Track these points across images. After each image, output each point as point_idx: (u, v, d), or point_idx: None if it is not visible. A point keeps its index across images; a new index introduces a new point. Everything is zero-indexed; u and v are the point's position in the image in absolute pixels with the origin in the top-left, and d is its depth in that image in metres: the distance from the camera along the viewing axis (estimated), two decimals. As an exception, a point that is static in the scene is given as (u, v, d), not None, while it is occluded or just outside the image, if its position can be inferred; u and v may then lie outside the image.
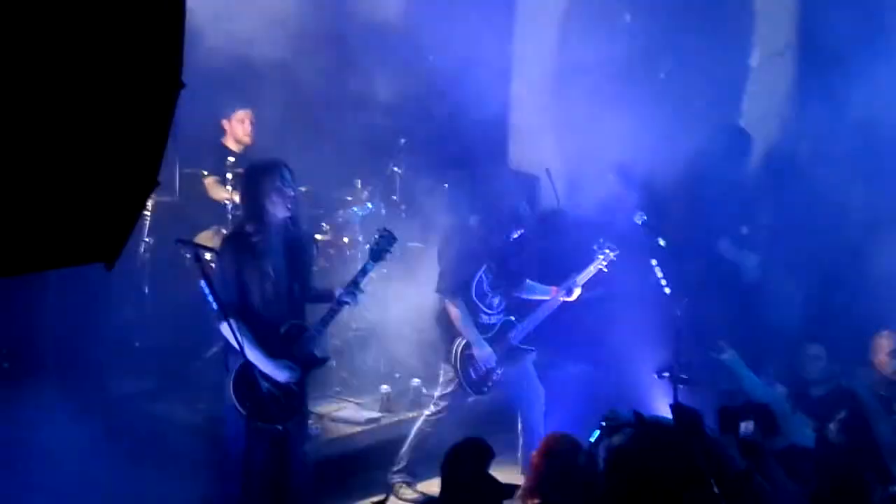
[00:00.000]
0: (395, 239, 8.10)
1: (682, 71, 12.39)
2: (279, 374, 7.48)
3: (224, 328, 7.21)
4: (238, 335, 7.10)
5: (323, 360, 7.96)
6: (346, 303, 7.80)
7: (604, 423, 6.99)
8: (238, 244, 7.51)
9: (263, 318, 7.48)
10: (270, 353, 7.43)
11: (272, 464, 7.62)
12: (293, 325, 7.63)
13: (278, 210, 7.54)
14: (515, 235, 9.06)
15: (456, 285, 8.92)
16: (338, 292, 7.79)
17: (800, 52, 12.78)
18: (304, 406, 7.86)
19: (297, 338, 7.62)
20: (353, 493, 8.77)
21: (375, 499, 7.46)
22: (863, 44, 11.44)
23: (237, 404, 7.37)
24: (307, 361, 7.68)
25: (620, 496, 5.77)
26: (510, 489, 6.43)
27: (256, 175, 7.68)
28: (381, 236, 8.03)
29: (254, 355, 7.30)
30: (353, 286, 7.81)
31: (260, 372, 7.34)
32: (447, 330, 9.06)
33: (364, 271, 7.90)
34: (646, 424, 6.62)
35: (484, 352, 8.92)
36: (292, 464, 7.74)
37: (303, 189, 9.77)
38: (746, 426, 7.09)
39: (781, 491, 6.55)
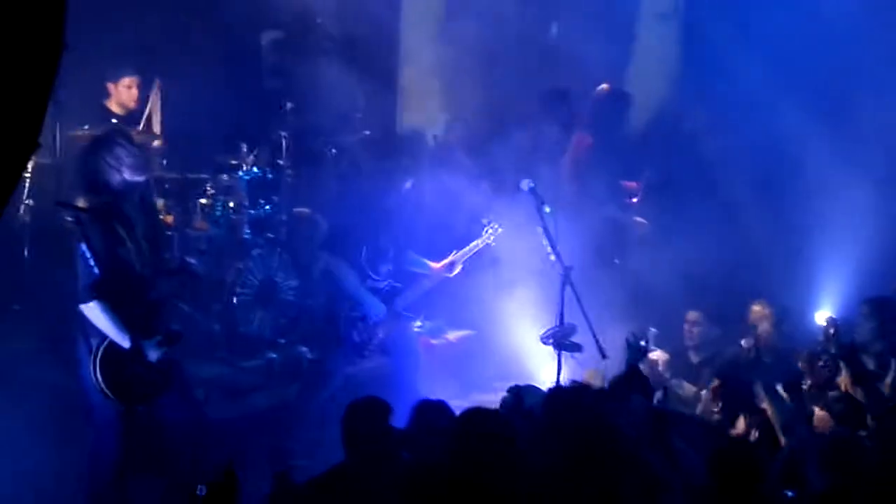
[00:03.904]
0: None
1: (573, 32, 12.48)
2: (149, 353, 7.34)
3: (89, 308, 7.12)
4: (106, 315, 7.05)
5: (180, 335, 7.64)
6: (194, 272, 7.74)
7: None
8: (103, 216, 7.32)
9: (128, 293, 7.33)
10: (136, 330, 7.28)
11: (148, 440, 7.51)
12: (153, 299, 7.50)
13: (131, 176, 7.42)
14: (407, 185, 9.11)
15: (343, 246, 8.93)
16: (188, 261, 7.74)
17: (687, 14, 12.97)
18: (175, 380, 7.68)
19: (157, 312, 7.50)
20: (237, 460, 8.70)
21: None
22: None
23: (104, 388, 7.22)
24: (169, 337, 7.53)
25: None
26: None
27: (99, 149, 7.51)
28: None
29: (121, 336, 7.18)
30: (199, 255, 7.77)
31: (125, 352, 7.20)
32: (331, 292, 9.06)
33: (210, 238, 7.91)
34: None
35: (373, 304, 8.94)
36: (170, 436, 7.65)
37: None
38: (658, 396, 7.24)
39: (683, 459, 6.67)
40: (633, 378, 7.33)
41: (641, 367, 7.88)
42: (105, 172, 7.31)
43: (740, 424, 7.84)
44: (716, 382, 8.52)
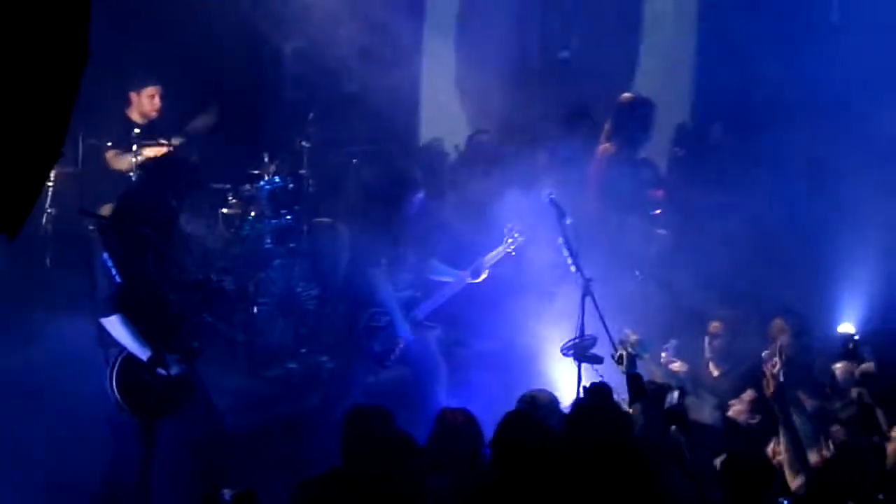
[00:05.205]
0: None
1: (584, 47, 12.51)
2: (172, 367, 7.33)
3: (110, 322, 7.12)
4: (126, 329, 7.04)
5: (198, 352, 7.67)
6: (218, 288, 7.75)
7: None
8: (131, 230, 7.33)
9: (149, 305, 7.33)
10: (156, 344, 7.28)
11: (168, 452, 7.51)
12: (174, 313, 7.49)
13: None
14: (418, 196, 9.10)
15: (374, 256, 8.94)
16: (213, 278, 7.75)
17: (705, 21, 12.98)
18: (193, 393, 7.68)
19: (177, 327, 7.49)
20: (259, 469, 8.71)
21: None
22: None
23: (120, 401, 7.22)
24: (187, 353, 7.53)
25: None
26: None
27: (177, 169, 7.63)
28: None
29: (140, 349, 7.19)
30: (222, 272, 7.80)
31: (143, 365, 7.21)
32: (356, 300, 9.06)
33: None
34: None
35: (402, 326, 8.95)
36: (190, 448, 7.65)
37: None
38: (671, 397, 7.21)
39: (701, 460, 6.69)
40: (633, 387, 7.32)
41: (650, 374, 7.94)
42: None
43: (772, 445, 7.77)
44: (751, 394, 8.48)
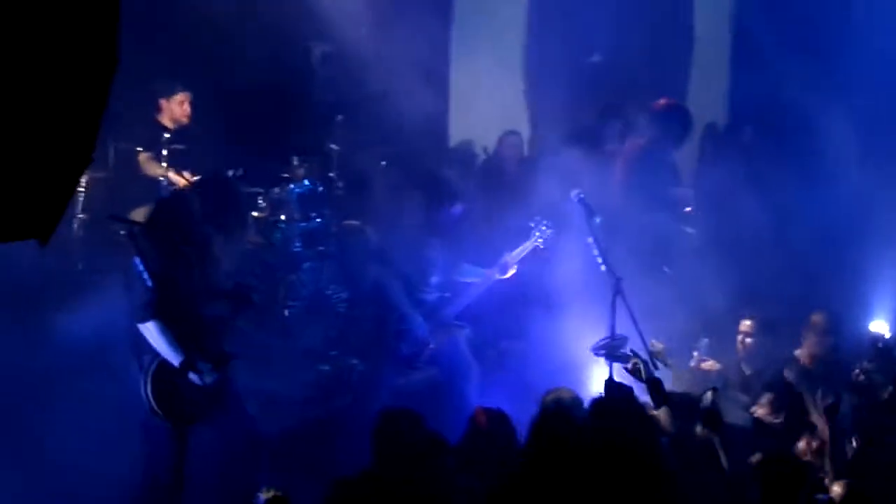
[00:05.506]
0: None
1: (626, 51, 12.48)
2: (205, 375, 7.36)
3: (147, 328, 7.14)
4: (162, 335, 7.09)
5: (230, 358, 7.66)
6: (249, 296, 7.79)
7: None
8: (157, 230, 7.37)
9: (182, 310, 7.35)
10: (190, 350, 7.30)
11: (201, 457, 7.53)
12: (207, 319, 7.52)
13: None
14: (457, 209, 9.11)
15: (393, 260, 8.95)
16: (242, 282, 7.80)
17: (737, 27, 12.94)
18: (226, 399, 7.71)
19: (210, 333, 7.51)
20: (293, 472, 8.73)
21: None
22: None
23: (155, 406, 7.24)
24: (220, 360, 7.56)
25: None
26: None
27: (238, 194, 7.71)
28: None
29: (174, 355, 7.21)
30: (252, 278, 7.86)
31: (176, 371, 7.23)
32: (381, 304, 9.07)
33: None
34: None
35: (415, 321, 8.95)
36: (224, 453, 7.67)
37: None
38: (706, 397, 7.20)
39: (735, 460, 6.70)
40: (653, 392, 7.30)
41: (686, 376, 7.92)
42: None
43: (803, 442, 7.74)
44: (770, 395, 8.45)
